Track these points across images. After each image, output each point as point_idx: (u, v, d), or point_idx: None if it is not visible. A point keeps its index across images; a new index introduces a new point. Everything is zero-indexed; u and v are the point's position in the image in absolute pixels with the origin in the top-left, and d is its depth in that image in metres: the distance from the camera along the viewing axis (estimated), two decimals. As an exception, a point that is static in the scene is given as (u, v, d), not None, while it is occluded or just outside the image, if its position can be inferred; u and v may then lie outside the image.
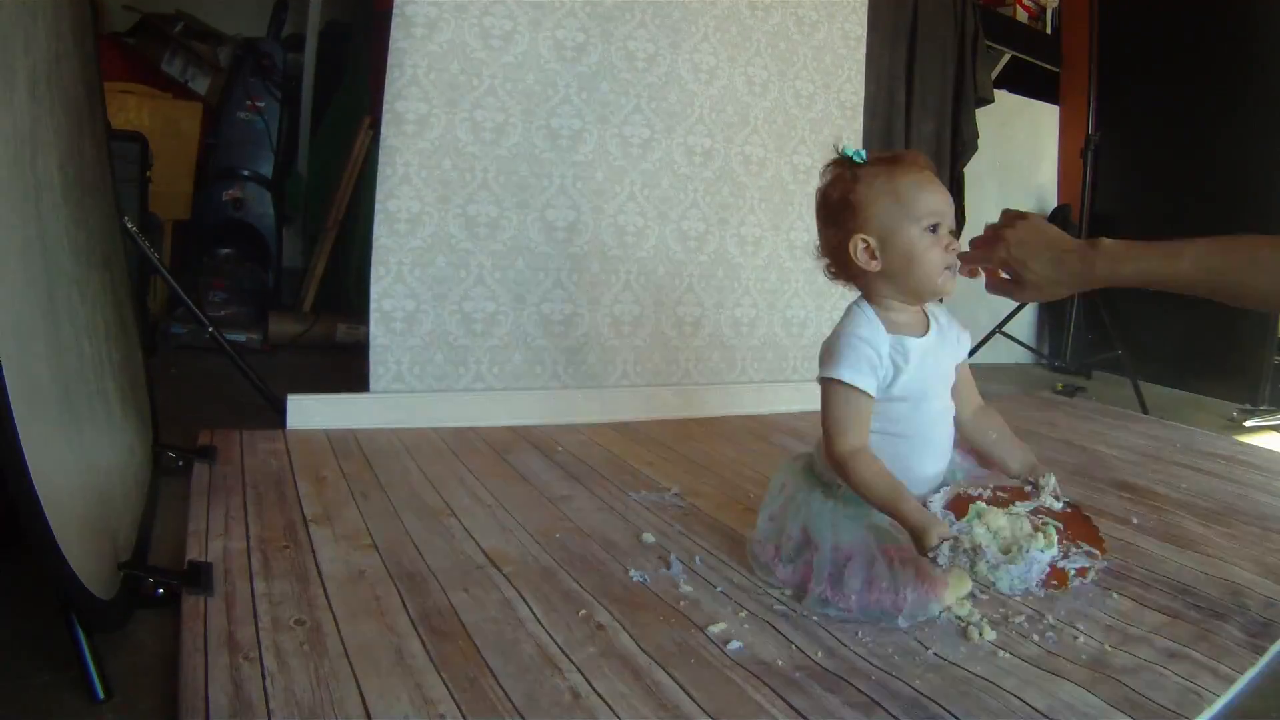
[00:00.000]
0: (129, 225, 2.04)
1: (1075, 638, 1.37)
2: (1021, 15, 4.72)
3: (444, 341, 2.42)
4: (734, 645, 1.28)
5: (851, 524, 1.38)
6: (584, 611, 1.36)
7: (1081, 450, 2.65)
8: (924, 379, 1.40)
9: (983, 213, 4.46)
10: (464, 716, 1.05)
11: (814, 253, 1.53)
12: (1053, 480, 1.44)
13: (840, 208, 1.40)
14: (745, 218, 2.88)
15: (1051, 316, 4.80)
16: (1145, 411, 3.42)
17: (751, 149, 2.87)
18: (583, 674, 1.17)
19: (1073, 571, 1.31)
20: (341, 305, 3.50)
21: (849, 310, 1.45)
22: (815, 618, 1.37)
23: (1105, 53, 4.25)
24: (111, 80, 3.08)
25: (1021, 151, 4.78)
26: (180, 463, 1.85)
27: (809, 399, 2.97)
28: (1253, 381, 3.76)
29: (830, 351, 1.40)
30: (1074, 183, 4.40)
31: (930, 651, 1.30)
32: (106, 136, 1.92)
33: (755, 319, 2.93)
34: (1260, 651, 1.37)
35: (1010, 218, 1.46)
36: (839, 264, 1.46)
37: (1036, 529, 1.32)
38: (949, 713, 1.14)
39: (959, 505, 1.35)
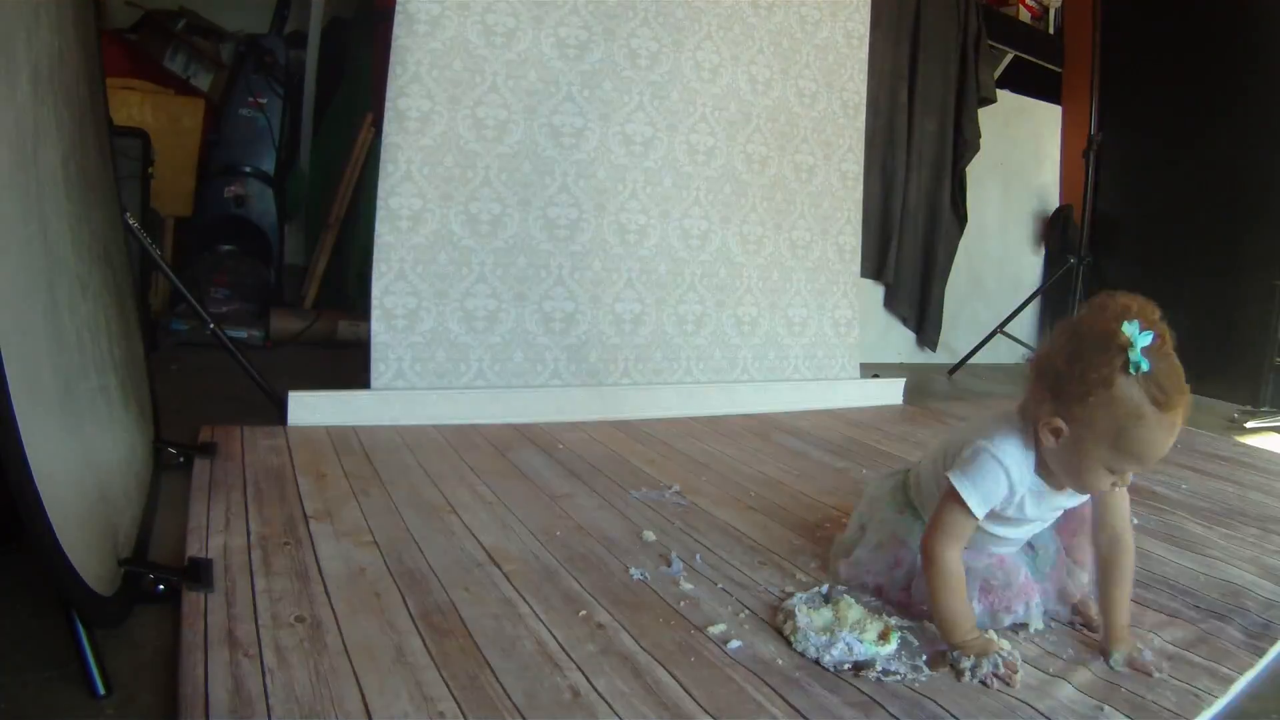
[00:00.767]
0: (131, 221, 2.04)
1: (1076, 638, 1.37)
2: (1024, 15, 4.72)
3: (445, 339, 2.42)
4: (734, 644, 1.28)
5: None
6: (584, 611, 1.36)
7: (1082, 451, 2.65)
8: (1035, 509, 1.34)
9: (984, 213, 4.48)
10: (464, 714, 1.06)
11: (1028, 366, 1.35)
12: (1128, 654, 1.32)
13: (1075, 384, 1.22)
14: (747, 216, 2.88)
15: (1053, 317, 4.80)
16: (1146, 412, 3.41)
17: (754, 147, 2.87)
18: (583, 672, 1.17)
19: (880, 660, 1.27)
20: (343, 302, 3.50)
21: (1013, 432, 1.31)
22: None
23: (1108, 53, 4.24)
24: (114, 76, 3.08)
25: (1024, 152, 4.77)
26: (181, 459, 1.85)
27: (810, 398, 2.99)
28: (1253, 383, 3.75)
29: (973, 461, 1.30)
30: (1076, 183, 4.40)
31: (930, 651, 1.30)
32: (109, 133, 1.92)
33: (757, 317, 2.93)
34: (1260, 653, 1.37)
35: None
36: (1030, 414, 1.30)
37: (885, 632, 1.30)
38: (948, 713, 1.14)
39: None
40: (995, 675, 1.21)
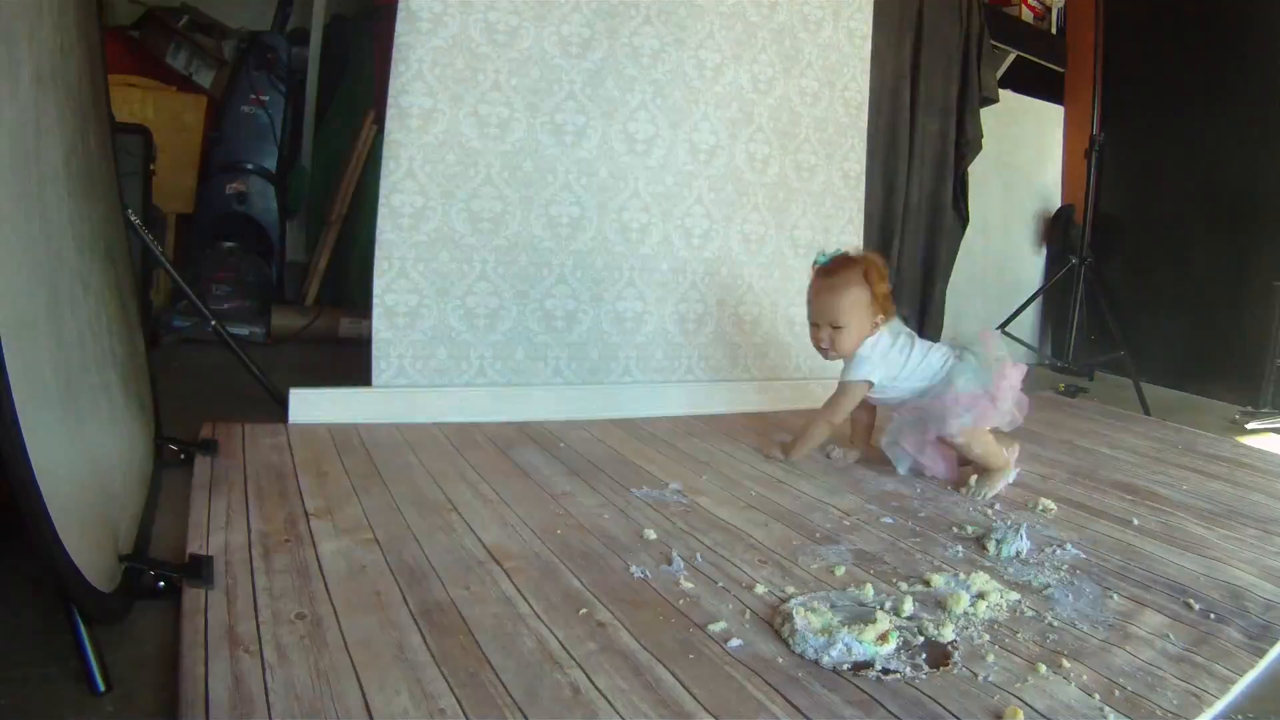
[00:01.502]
0: (132, 218, 2.04)
1: (1076, 639, 1.37)
2: (1027, 15, 4.71)
3: (447, 336, 2.42)
4: (734, 642, 1.28)
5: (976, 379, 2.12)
6: (585, 609, 1.36)
7: (1083, 451, 2.65)
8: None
9: (986, 213, 4.47)
10: (464, 711, 1.06)
11: None
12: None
13: None
14: (749, 215, 2.88)
15: (1054, 317, 4.80)
16: (1147, 413, 3.42)
17: (756, 146, 2.87)
18: (583, 670, 1.17)
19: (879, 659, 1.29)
20: (344, 299, 3.51)
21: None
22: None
23: (1111, 53, 4.24)
24: (116, 73, 3.08)
25: (1026, 151, 4.77)
26: (182, 455, 1.85)
27: (811, 397, 2.99)
28: (1254, 384, 3.75)
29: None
30: (1078, 183, 4.39)
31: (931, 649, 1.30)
32: (110, 129, 1.92)
33: (758, 316, 2.92)
34: (1260, 654, 1.37)
35: None
36: None
37: (884, 635, 1.31)
38: (949, 712, 1.14)
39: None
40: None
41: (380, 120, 2.38)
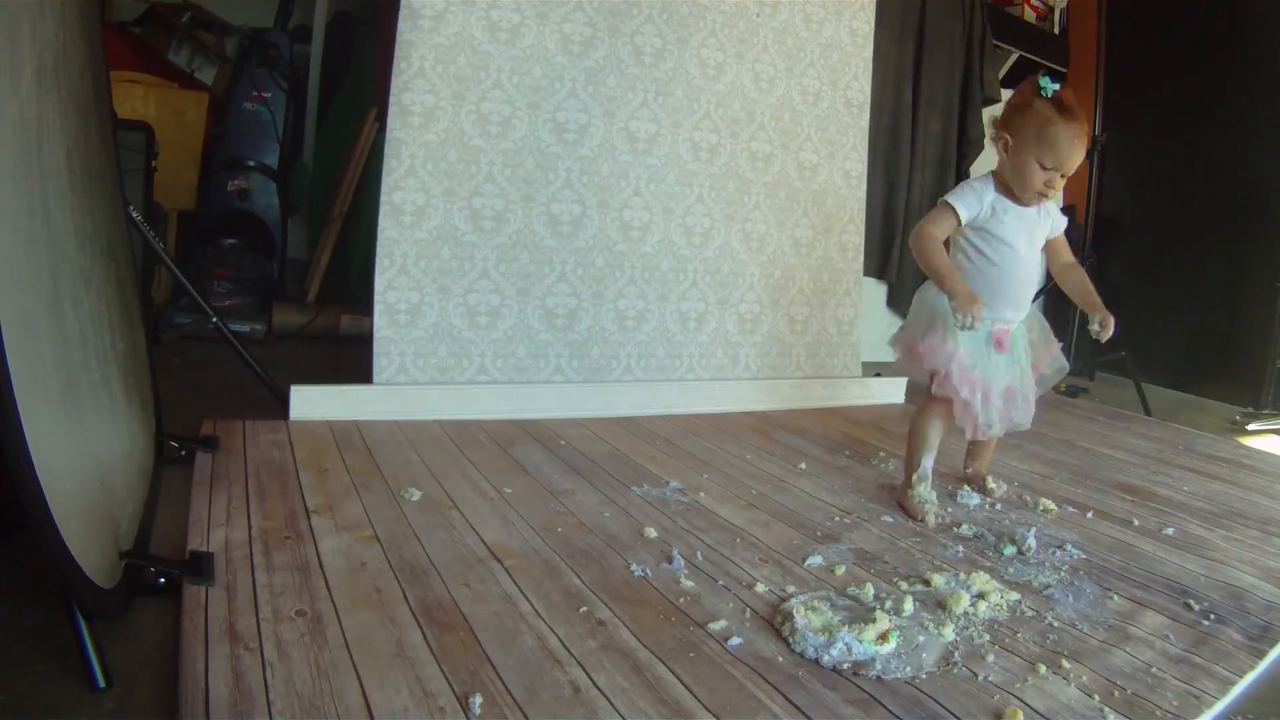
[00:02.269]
0: (134, 214, 2.04)
1: (1076, 639, 1.37)
2: (1030, 15, 4.71)
3: (448, 334, 2.42)
4: (734, 641, 1.28)
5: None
6: (585, 607, 1.36)
7: (1084, 451, 2.65)
8: (1015, 232, 1.93)
9: (988, 212, 4.46)
10: (464, 709, 1.06)
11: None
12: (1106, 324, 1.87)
13: (1014, 110, 1.90)
14: (750, 214, 2.88)
15: (1055, 318, 4.79)
16: (1148, 413, 3.41)
17: (758, 145, 2.87)
18: (583, 668, 1.17)
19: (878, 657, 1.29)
20: (346, 297, 3.50)
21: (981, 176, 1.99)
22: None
23: (1113, 54, 4.24)
24: (118, 70, 3.08)
25: (1028, 151, 4.76)
26: (183, 452, 1.85)
27: (812, 396, 2.99)
28: (1255, 385, 3.75)
29: (957, 188, 1.98)
30: (1080, 184, 4.39)
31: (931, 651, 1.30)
32: (112, 126, 1.92)
33: (759, 315, 2.92)
34: (1260, 655, 1.37)
35: None
36: (994, 137, 1.95)
37: (884, 634, 1.31)
38: (949, 711, 1.14)
39: None
40: (966, 325, 1.75)
41: (382, 118, 2.39)
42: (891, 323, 4.19)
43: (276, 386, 2.25)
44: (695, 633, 1.30)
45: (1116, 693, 1.21)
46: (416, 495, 1.75)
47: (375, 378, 2.34)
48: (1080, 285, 1.98)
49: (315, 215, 3.91)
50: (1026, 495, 2.10)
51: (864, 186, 3.15)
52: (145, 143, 2.91)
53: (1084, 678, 1.25)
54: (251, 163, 3.56)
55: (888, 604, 1.43)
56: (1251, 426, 3.45)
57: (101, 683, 1.06)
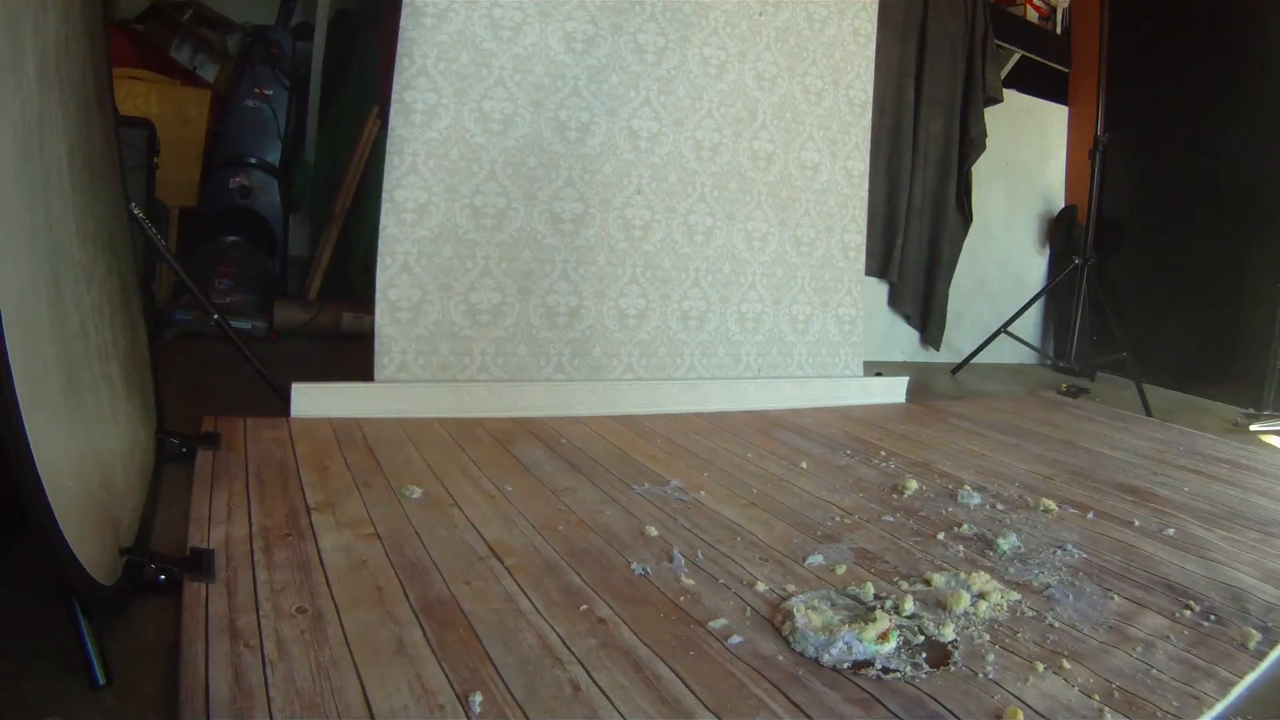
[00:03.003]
0: (136, 211, 2.04)
1: (1076, 639, 1.37)
2: (1032, 15, 4.70)
3: (449, 332, 2.41)
4: (735, 639, 1.28)
5: None
6: (585, 605, 1.36)
7: (1084, 452, 2.65)
8: None
9: (990, 212, 4.47)
10: (464, 707, 1.06)
11: None
12: None
13: None
14: (752, 213, 2.88)
15: (1057, 318, 4.79)
16: (1149, 414, 3.41)
17: (760, 144, 2.87)
18: (583, 666, 1.17)
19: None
20: (347, 294, 3.50)
21: None
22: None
23: (1115, 54, 4.23)
24: (120, 66, 3.08)
25: (1030, 151, 4.76)
26: (184, 449, 1.85)
27: (813, 396, 2.98)
28: (1257, 386, 3.74)
29: None
30: (1082, 184, 4.38)
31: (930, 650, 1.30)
32: (114, 122, 1.92)
33: (760, 314, 2.92)
34: (1260, 657, 1.37)
35: None
36: None
37: (885, 632, 1.31)
38: (949, 711, 1.14)
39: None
40: None
41: (384, 115, 2.38)
42: (893, 322, 4.19)
43: (277, 384, 2.25)
44: (695, 631, 1.30)
45: (1116, 693, 1.21)
46: (417, 493, 1.75)
47: (376, 375, 2.34)
48: None
49: (317, 213, 3.91)
50: (1027, 496, 2.10)
51: (866, 186, 3.15)
52: (147, 139, 2.91)
53: (1084, 678, 1.25)
54: (253, 160, 3.55)
55: (888, 603, 1.43)
56: (1253, 427, 3.45)
57: (101, 679, 1.06)
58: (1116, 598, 1.54)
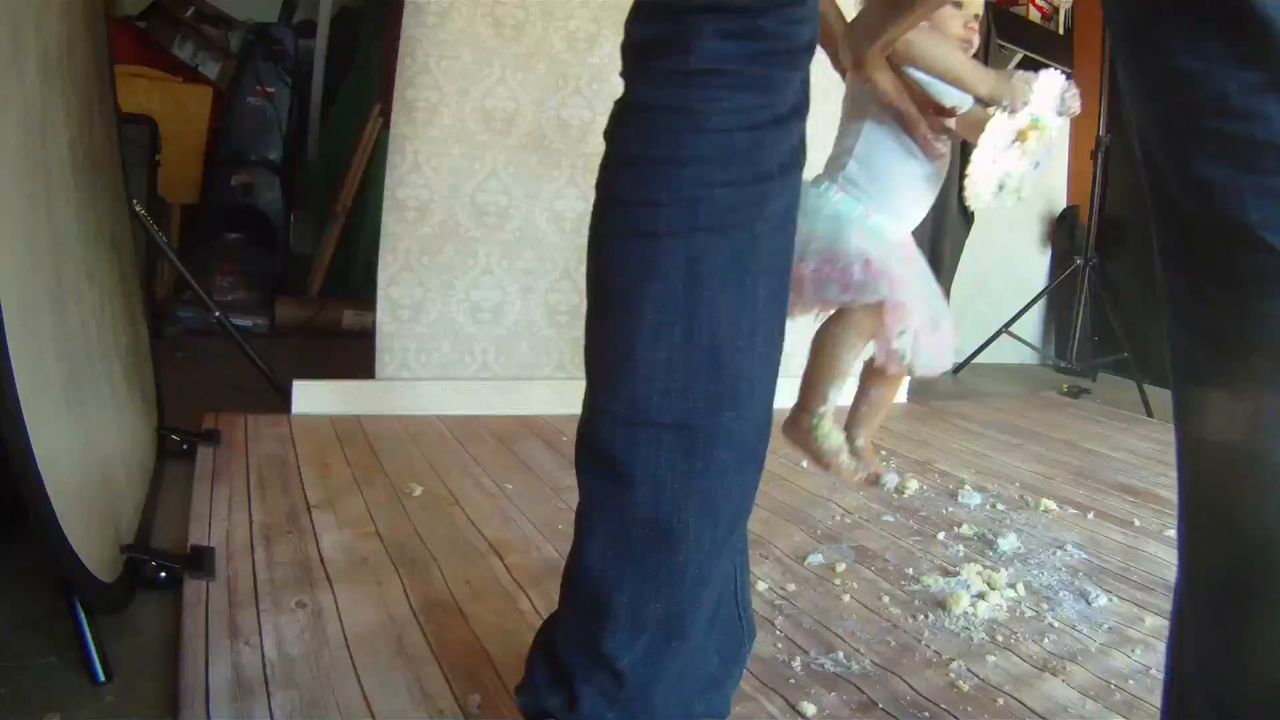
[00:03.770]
0: (138, 208, 2.04)
1: (1076, 640, 1.37)
2: (1034, 15, 4.70)
3: (451, 330, 2.42)
4: (734, 640, 1.28)
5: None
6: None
7: (1085, 452, 2.64)
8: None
9: (991, 212, 4.46)
10: (462, 707, 1.06)
11: None
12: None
13: None
14: (753, 212, 2.87)
15: (1058, 317, 4.79)
16: (1150, 414, 3.41)
17: (761, 143, 2.86)
18: (582, 666, 1.17)
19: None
20: (349, 292, 3.50)
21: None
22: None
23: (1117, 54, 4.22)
24: (122, 63, 3.07)
25: (1032, 151, 4.75)
26: (184, 446, 1.86)
27: (814, 395, 2.97)
28: (1259, 386, 3.74)
29: None
30: (1083, 184, 4.38)
31: (930, 650, 1.30)
32: (116, 120, 1.92)
33: (761, 314, 2.92)
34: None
35: None
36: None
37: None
38: (948, 713, 1.14)
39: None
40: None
41: (386, 113, 2.38)
42: (894, 322, 4.18)
43: (279, 381, 2.25)
44: (695, 631, 1.30)
45: (1116, 694, 1.21)
46: (418, 491, 1.76)
47: (378, 373, 2.34)
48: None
49: (319, 210, 3.91)
50: (1028, 496, 2.10)
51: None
52: (149, 137, 2.91)
53: (1083, 679, 1.25)
54: (255, 158, 3.56)
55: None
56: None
57: (102, 676, 1.06)
58: (1116, 599, 1.54)
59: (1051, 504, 2.02)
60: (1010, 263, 4.72)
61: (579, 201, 2.54)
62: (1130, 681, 1.25)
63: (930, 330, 1.39)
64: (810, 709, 1.12)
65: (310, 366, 2.35)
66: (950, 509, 1.97)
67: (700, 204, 0.82)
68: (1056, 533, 1.86)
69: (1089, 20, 4.63)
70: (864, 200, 1.44)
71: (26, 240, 1.08)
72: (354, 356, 2.52)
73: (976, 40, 1.42)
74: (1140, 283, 4.35)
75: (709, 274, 0.82)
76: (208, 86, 3.62)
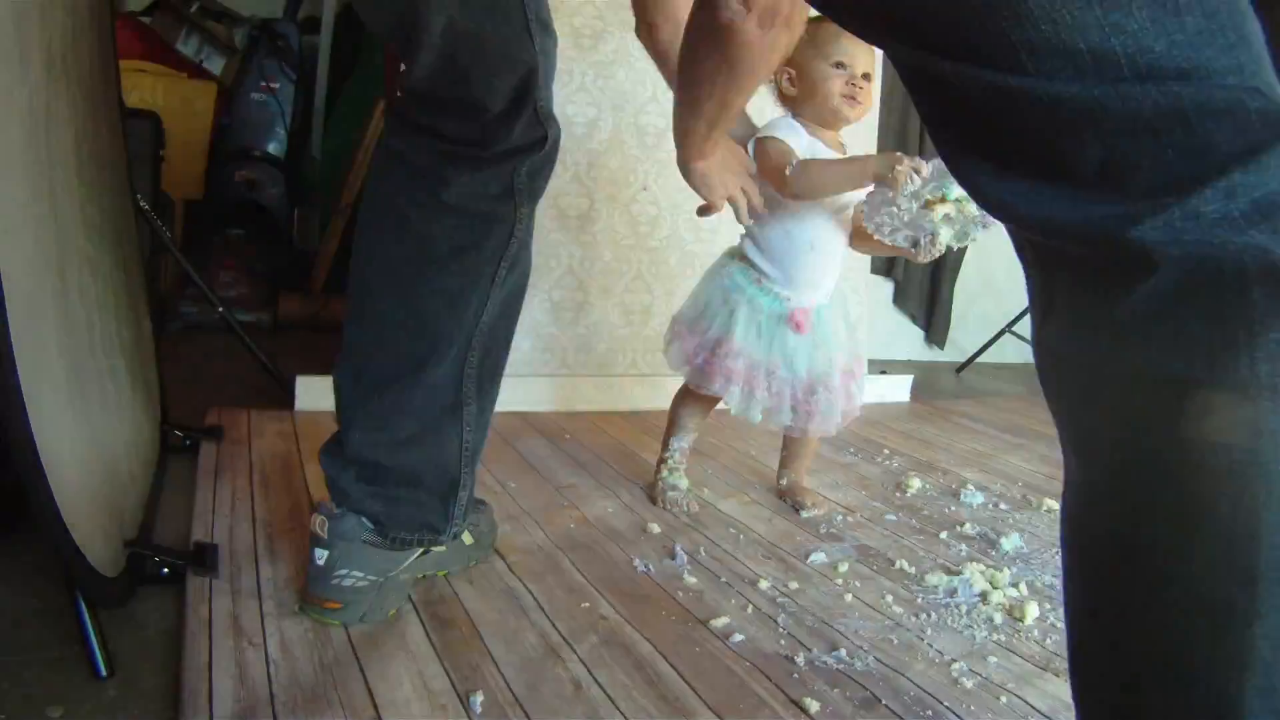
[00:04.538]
0: (141, 203, 2.04)
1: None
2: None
3: (453, 327, 2.41)
4: (737, 638, 1.28)
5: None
6: (587, 602, 1.36)
7: (1089, 452, 2.64)
8: None
9: (996, 211, 4.45)
10: (465, 706, 1.06)
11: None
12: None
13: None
14: (758, 210, 2.87)
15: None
16: (1154, 414, 3.40)
17: (766, 141, 2.86)
18: (585, 664, 1.17)
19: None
20: (352, 288, 3.50)
21: (777, 119, 1.72)
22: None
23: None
24: (126, 59, 3.07)
25: (1037, 150, 4.75)
26: (188, 442, 1.86)
27: (817, 393, 2.97)
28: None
29: (767, 127, 1.69)
30: (1089, 182, 4.38)
31: (933, 649, 1.30)
32: (121, 115, 1.92)
33: (765, 312, 2.92)
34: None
35: None
36: (778, 93, 1.74)
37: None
38: (950, 711, 1.14)
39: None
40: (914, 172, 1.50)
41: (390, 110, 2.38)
42: (898, 320, 4.19)
43: (282, 376, 2.25)
44: (697, 629, 1.30)
45: (1119, 695, 1.21)
46: (420, 488, 1.75)
47: (380, 370, 2.34)
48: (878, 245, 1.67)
49: (323, 206, 3.91)
50: (1031, 495, 2.09)
51: (871, 184, 3.14)
52: (153, 132, 2.91)
53: (1087, 679, 1.25)
54: (259, 153, 3.56)
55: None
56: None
57: (104, 671, 1.06)
58: (1120, 599, 1.54)
59: (1054, 504, 2.02)
60: (1014, 262, 4.67)
61: (582, 198, 2.54)
62: (1133, 682, 1.25)
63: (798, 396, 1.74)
64: (814, 705, 1.12)
65: (313, 362, 2.34)
66: (953, 508, 1.97)
67: None
68: (1059, 532, 1.86)
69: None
70: (758, 274, 1.79)
71: (31, 235, 1.08)
72: (357, 353, 2.51)
73: (865, 98, 1.63)
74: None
75: None
76: (212, 82, 3.62)
